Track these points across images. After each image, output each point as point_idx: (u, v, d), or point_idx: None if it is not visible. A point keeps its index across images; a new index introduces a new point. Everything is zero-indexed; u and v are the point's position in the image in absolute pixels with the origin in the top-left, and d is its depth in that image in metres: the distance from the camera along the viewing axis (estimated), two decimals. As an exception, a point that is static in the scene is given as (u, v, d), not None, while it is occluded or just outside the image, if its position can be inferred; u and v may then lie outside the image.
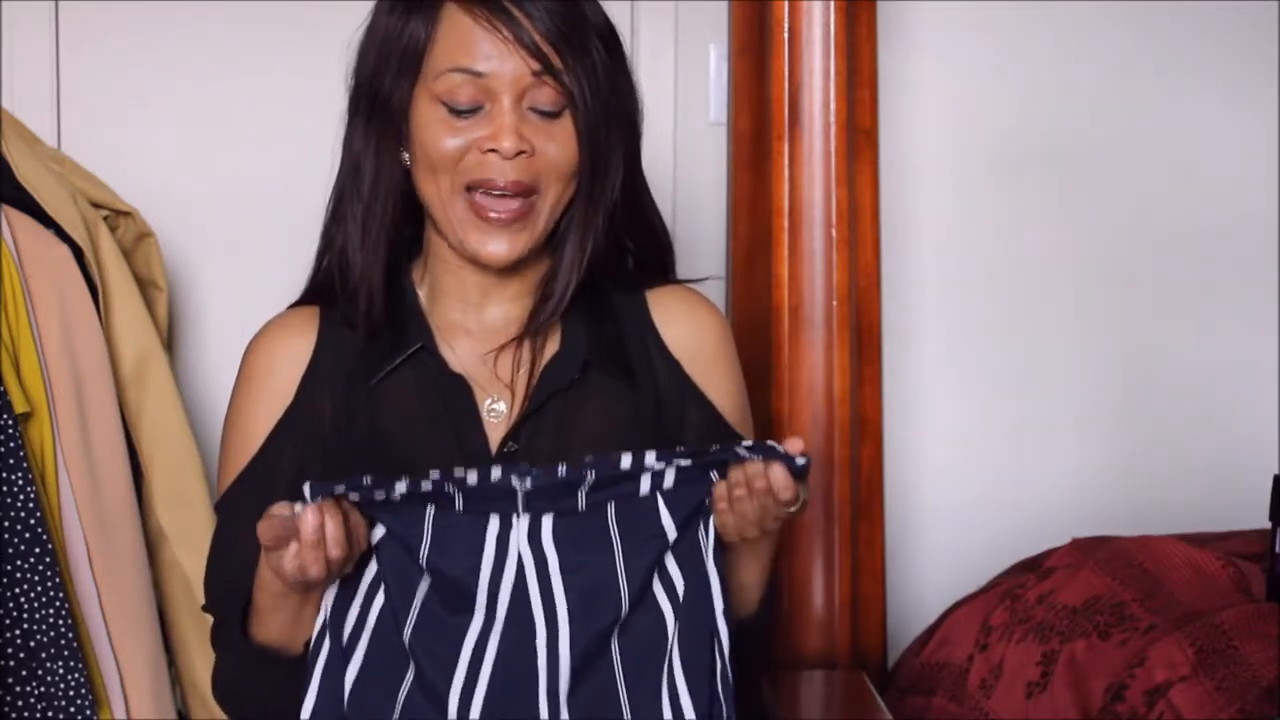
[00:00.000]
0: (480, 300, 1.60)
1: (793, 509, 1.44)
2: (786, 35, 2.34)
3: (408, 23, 1.52)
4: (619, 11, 2.64)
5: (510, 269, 1.58)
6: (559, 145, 1.52)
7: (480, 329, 1.60)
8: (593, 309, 1.61)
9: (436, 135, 1.52)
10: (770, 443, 1.43)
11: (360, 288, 1.56)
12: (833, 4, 2.33)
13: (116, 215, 2.20)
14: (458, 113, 1.51)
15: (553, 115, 1.52)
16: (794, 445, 1.42)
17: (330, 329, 1.58)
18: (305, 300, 1.63)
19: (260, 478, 1.55)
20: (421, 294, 1.60)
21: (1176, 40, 2.79)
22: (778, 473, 1.41)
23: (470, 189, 1.52)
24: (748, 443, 1.45)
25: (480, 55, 1.50)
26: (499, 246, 1.53)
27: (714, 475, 1.47)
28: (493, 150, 1.50)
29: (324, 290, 1.60)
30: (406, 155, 1.56)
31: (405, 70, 1.52)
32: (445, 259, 1.59)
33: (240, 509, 1.55)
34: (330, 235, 1.60)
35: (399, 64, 1.53)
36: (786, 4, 2.33)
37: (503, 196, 1.52)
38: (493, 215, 1.52)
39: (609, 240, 1.60)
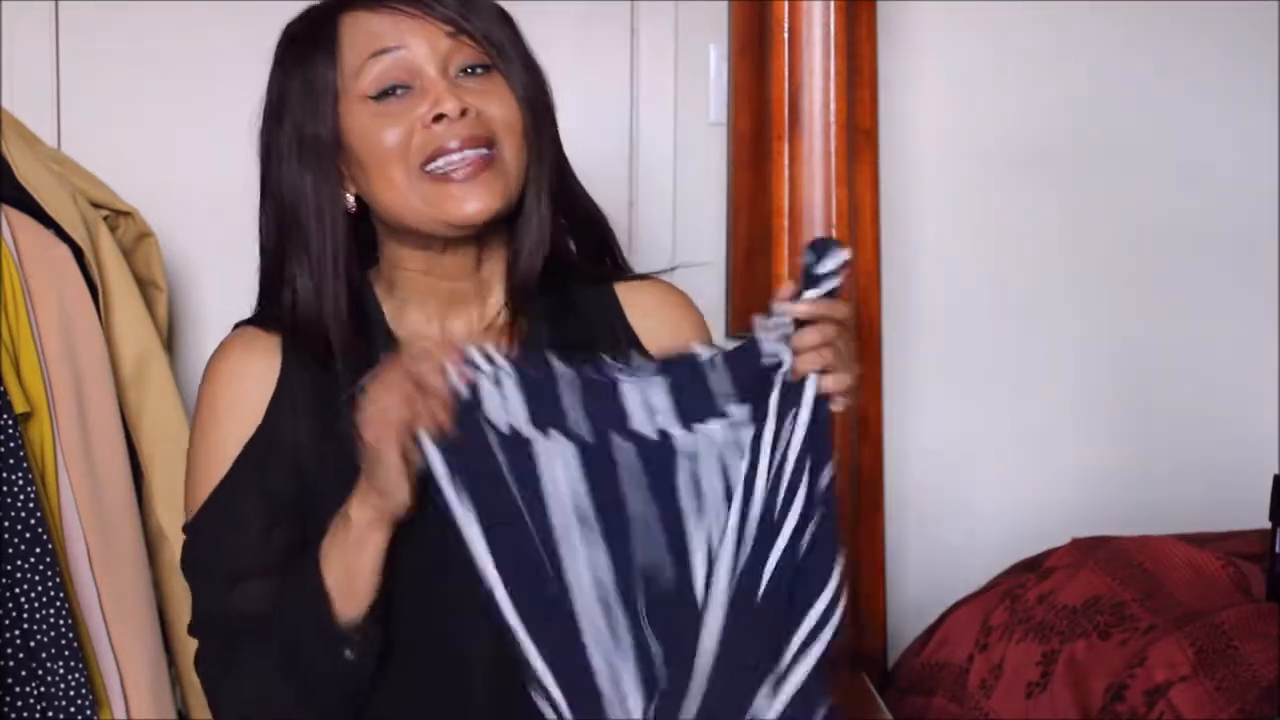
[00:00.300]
0: (445, 311, 1.56)
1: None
2: (786, 35, 2.34)
3: (314, 66, 1.49)
4: (619, 11, 2.66)
5: (476, 266, 1.55)
6: (499, 101, 1.49)
7: (444, 338, 1.55)
8: (552, 309, 1.58)
9: (373, 131, 1.48)
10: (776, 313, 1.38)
11: (332, 330, 1.50)
12: (833, 4, 2.33)
13: (116, 215, 2.20)
14: (386, 99, 1.48)
15: (482, 74, 1.49)
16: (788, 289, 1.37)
17: (293, 354, 1.53)
18: (259, 321, 1.57)
19: (230, 499, 1.51)
20: (387, 308, 1.56)
21: (1176, 40, 2.79)
22: (818, 305, 1.36)
23: (426, 166, 1.48)
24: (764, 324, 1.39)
25: (390, 35, 1.48)
26: (476, 202, 1.48)
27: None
28: (437, 118, 1.46)
29: (285, 329, 1.54)
30: (351, 197, 1.52)
31: (324, 97, 1.49)
32: (408, 267, 1.55)
33: (208, 533, 1.51)
34: (279, 293, 1.54)
35: (318, 99, 1.49)
36: (786, 4, 2.34)
37: (461, 151, 1.47)
38: (457, 174, 1.47)
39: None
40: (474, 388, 1.39)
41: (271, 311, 1.56)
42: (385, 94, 1.48)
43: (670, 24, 2.62)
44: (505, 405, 1.40)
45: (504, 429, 1.40)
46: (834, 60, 2.34)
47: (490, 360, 1.40)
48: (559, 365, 1.41)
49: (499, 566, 1.38)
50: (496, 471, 1.39)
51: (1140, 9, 2.76)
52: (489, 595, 1.38)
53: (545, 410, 1.41)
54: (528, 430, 1.40)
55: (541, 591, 1.39)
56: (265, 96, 1.54)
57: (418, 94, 1.48)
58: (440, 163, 1.48)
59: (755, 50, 2.46)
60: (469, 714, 1.50)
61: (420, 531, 1.43)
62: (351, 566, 1.43)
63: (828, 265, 1.35)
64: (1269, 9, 2.79)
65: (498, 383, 1.40)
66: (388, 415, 1.37)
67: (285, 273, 1.52)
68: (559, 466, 1.41)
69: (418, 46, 1.48)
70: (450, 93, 1.47)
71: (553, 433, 1.41)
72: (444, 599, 1.47)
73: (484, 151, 1.48)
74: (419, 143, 1.48)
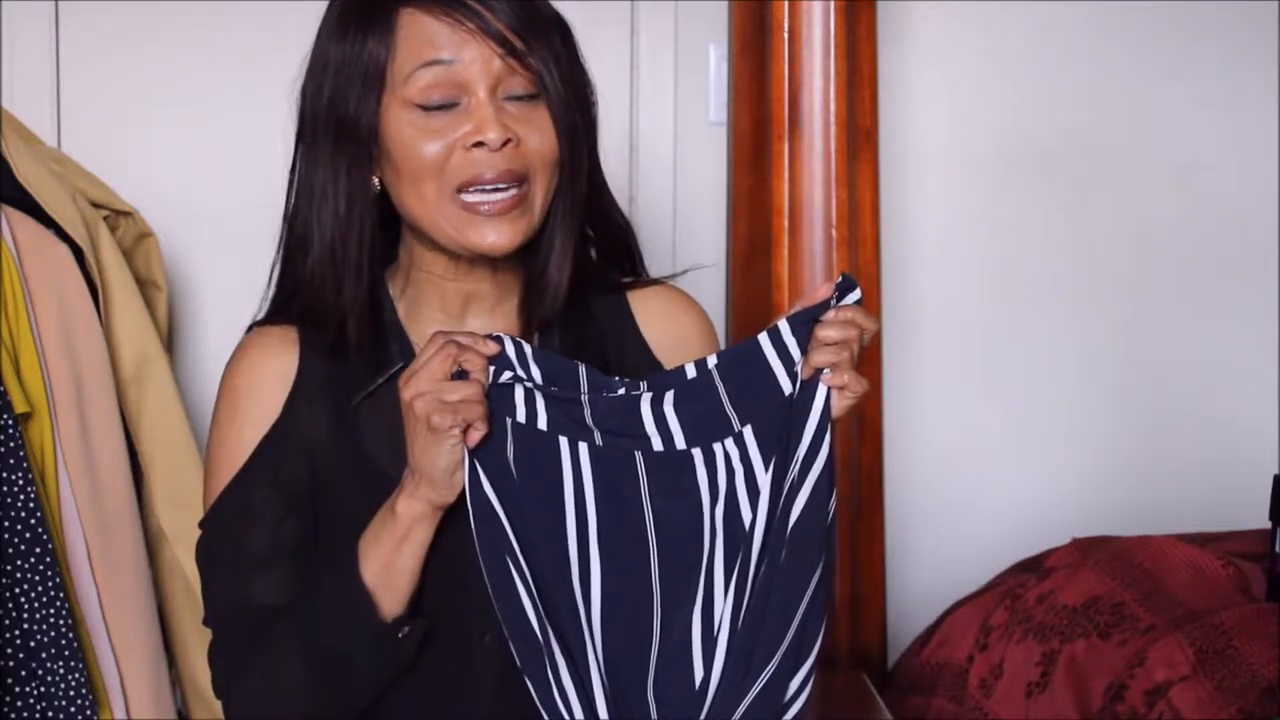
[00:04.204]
0: (461, 311, 1.58)
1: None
2: (786, 35, 2.34)
3: (365, 44, 1.49)
4: (619, 11, 2.66)
5: (493, 271, 1.57)
6: (540, 132, 1.50)
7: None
8: (567, 315, 1.59)
9: (414, 142, 1.48)
10: (800, 309, 1.43)
11: (349, 316, 1.52)
12: (833, 4, 2.33)
13: (116, 215, 2.20)
14: (432, 111, 1.48)
15: (528, 101, 1.50)
16: (827, 289, 1.42)
17: (310, 348, 1.55)
18: (274, 318, 1.58)
19: (246, 491, 1.52)
20: (401, 308, 1.58)
21: (1176, 40, 2.79)
22: (853, 309, 1.42)
23: (460, 190, 1.49)
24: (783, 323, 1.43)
25: (446, 46, 1.47)
26: (499, 236, 1.49)
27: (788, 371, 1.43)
28: (477, 145, 1.47)
29: (298, 314, 1.55)
30: (377, 180, 1.52)
31: (369, 87, 1.49)
32: (427, 269, 1.56)
33: (224, 524, 1.52)
34: (297, 266, 1.55)
35: (362, 83, 1.49)
36: (786, 4, 2.34)
37: (495, 190, 1.49)
38: (485, 209, 1.49)
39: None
40: (505, 383, 1.42)
41: (286, 301, 1.56)
42: (432, 105, 1.48)
43: (670, 24, 2.62)
44: (526, 401, 1.42)
45: (521, 421, 1.42)
46: (834, 60, 2.34)
47: (520, 353, 1.42)
48: (583, 376, 1.44)
49: (518, 556, 1.39)
50: (508, 463, 1.41)
51: (1140, 10, 2.76)
52: (506, 581, 1.39)
53: (564, 414, 1.43)
54: (544, 428, 1.42)
55: (552, 588, 1.40)
56: (310, 55, 1.54)
57: (463, 113, 1.48)
58: (474, 193, 1.49)
59: (755, 50, 2.46)
60: (475, 700, 1.50)
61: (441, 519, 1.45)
62: (394, 562, 1.44)
63: (848, 301, 1.43)
64: (1269, 9, 2.79)
65: (524, 378, 1.42)
66: (456, 407, 1.38)
67: (305, 246, 1.53)
68: (571, 467, 1.42)
69: (471, 62, 1.48)
70: (495, 120, 1.47)
71: (569, 436, 1.43)
72: (455, 585, 1.47)
73: (515, 188, 1.49)
74: (456, 164, 1.48)
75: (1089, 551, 2.35)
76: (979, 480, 2.80)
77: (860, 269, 2.36)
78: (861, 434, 2.43)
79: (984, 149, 2.75)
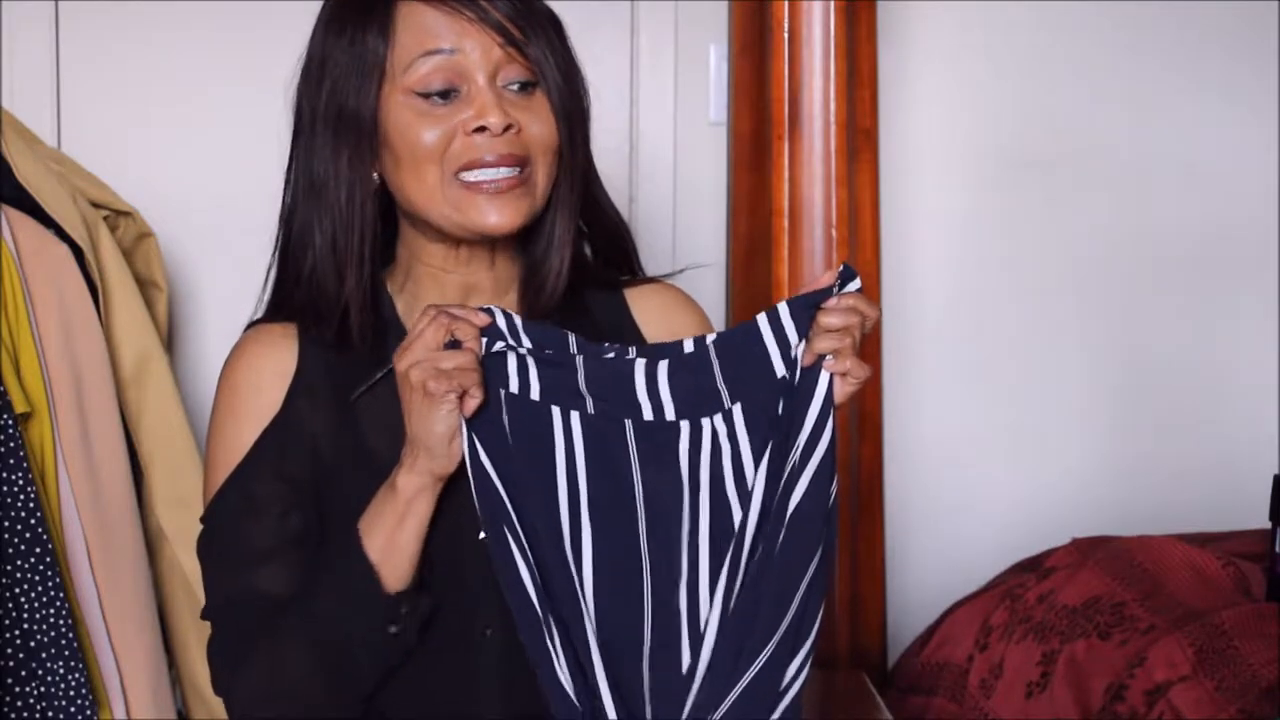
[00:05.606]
0: (460, 301, 1.58)
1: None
2: (786, 35, 2.34)
3: (364, 39, 1.51)
4: (619, 11, 2.66)
5: (491, 263, 1.58)
6: (540, 120, 1.52)
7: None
8: (565, 311, 1.60)
9: (416, 128, 1.50)
10: (804, 295, 1.44)
11: (350, 306, 1.53)
12: (833, 4, 2.33)
13: (116, 215, 2.20)
14: (433, 100, 1.50)
15: (527, 90, 1.52)
16: (829, 277, 1.43)
17: (310, 344, 1.56)
18: (273, 316, 1.59)
19: (247, 484, 1.53)
20: (400, 304, 1.59)
21: (1176, 40, 2.79)
22: (855, 296, 1.43)
23: (461, 173, 1.50)
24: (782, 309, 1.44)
25: (446, 36, 1.49)
26: (501, 217, 1.50)
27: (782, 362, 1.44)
28: (479, 130, 1.49)
29: (298, 310, 1.56)
30: (376, 174, 1.53)
31: (370, 78, 1.51)
32: (426, 261, 1.57)
33: (226, 517, 1.52)
34: (297, 261, 1.55)
35: (362, 75, 1.51)
36: (786, 4, 2.34)
37: (496, 167, 1.50)
38: (489, 186, 1.50)
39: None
40: (497, 353, 1.42)
41: (285, 299, 1.57)
42: (432, 94, 1.50)
43: (670, 24, 2.62)
44: (519, 371, 1.43)
45: (514, 391, 1.42)
46: (834, 60, 2.34)
47: (510, 324, 1.43)
48: (573, 342, 1.45)
49: (515, 526, 1.40)
50: (503, 433, 1.42)
51: (1140, 10, 2.76)
52: (506, 553, 1.39)
53: (556, 382, 1.43)
54: (536, 397, 1.43)
55: (547, 559, 1.41)
56: (306, 55, 1.56)
57: (464, 100, 1.50)
58: (475, 174, 1.50)
59: (755, 50, 2.46)
60: (477, 694, 1.51)
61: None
62: (396, 538, 1.45)
63: (849, 289, 1.45)
64: (1269, 9, 2.79)
65: (515, 348, 1.43)
66: (451, 373, 1.39)
67: (305, 240, 1.54)
68: (563, 436, 1.43)
69: (471, 51, 1.50)
70: (496, 105, 1.49)
71: (561, 405, 1.43)
72: (455, 580, 1.48)
73: (517, 171, 1.51)
74: (457, 149, 1.50)
75: (1089, 551, 2.35)
76: (979, 480, 2.80)
77: (860, 269, 2.34)
78: (862, 433, 2.43)
79: (984, 149, 2.75)
